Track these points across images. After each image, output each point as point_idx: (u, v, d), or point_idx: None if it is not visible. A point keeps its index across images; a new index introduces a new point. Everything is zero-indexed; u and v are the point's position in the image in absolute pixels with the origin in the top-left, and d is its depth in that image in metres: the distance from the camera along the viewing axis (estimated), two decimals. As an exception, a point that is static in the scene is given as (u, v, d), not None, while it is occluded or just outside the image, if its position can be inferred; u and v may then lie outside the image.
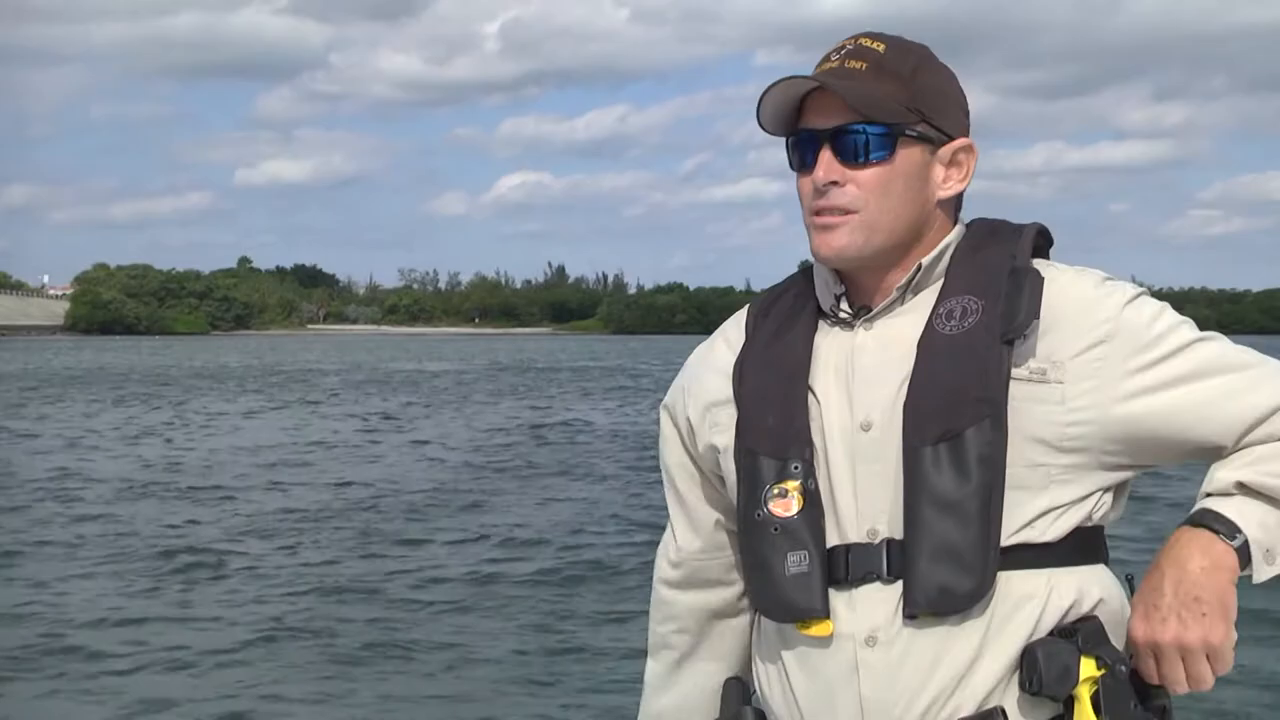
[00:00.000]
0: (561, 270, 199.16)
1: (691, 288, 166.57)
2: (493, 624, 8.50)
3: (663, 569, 2.04)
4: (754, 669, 1.91)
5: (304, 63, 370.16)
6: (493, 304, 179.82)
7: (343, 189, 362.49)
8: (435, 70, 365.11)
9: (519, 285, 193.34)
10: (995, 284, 1.75)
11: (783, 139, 1.84)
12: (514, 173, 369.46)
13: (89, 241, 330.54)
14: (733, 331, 1.95)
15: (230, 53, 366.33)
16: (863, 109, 1.74)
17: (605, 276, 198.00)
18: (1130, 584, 1.79)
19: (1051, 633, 1.70)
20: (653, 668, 2.06)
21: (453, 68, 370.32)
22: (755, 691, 1.91)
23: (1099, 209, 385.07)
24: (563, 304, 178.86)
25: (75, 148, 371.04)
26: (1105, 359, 1.72)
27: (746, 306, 1.97)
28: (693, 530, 1.99)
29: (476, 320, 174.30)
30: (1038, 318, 1.71)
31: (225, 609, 8.96)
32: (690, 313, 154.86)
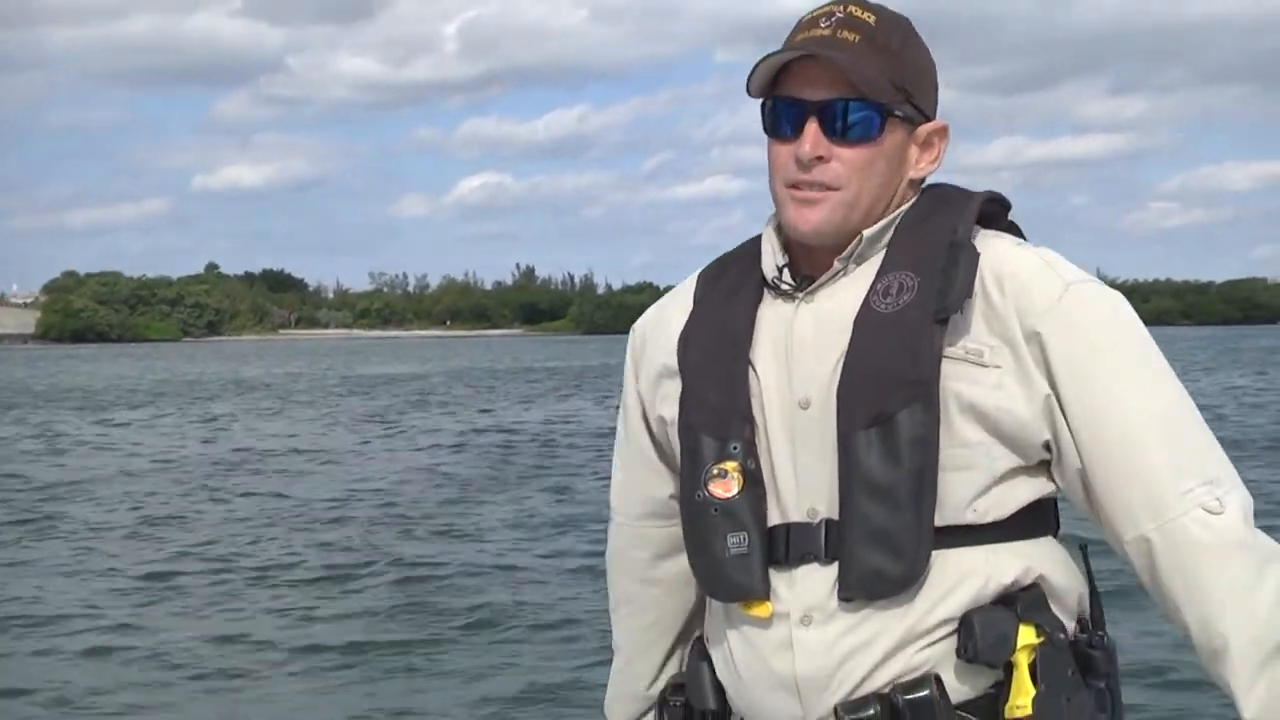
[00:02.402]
0: (531, 271, 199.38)
1: (661, 286, 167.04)
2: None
3: (614, 524, 2.08)
4: (706, 637, 1.94)
5: (260, 66, 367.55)
6: (464, 306, 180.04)
7: (303, 193, 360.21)
8: (394, 72, 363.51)
9: (489, 287, 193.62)
10: (933, 259, 1.72)
11: (759, 101, 1.80)
12: (475, 174, 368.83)
13: (47, 248, 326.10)
14: (681, 297, 1.95)
15: (185, 57, 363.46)
16: (862, 86, 1.70)
17: (573, 277, 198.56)
18: (1085, 553, 1.82)
19: (992, 601, 1.70)
20: (622, 627, 2.09)
21: (411, 69, 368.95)
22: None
23: (1060, 202, 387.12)
24: (533, 305, 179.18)
25: (29, 154, 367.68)
26: (1038, 349, 1.69)
27: (697, 272, 1.97)
28: (636, 489, 2.02)
29: (448, 323, 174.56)
30: (970, 295, 1.69)
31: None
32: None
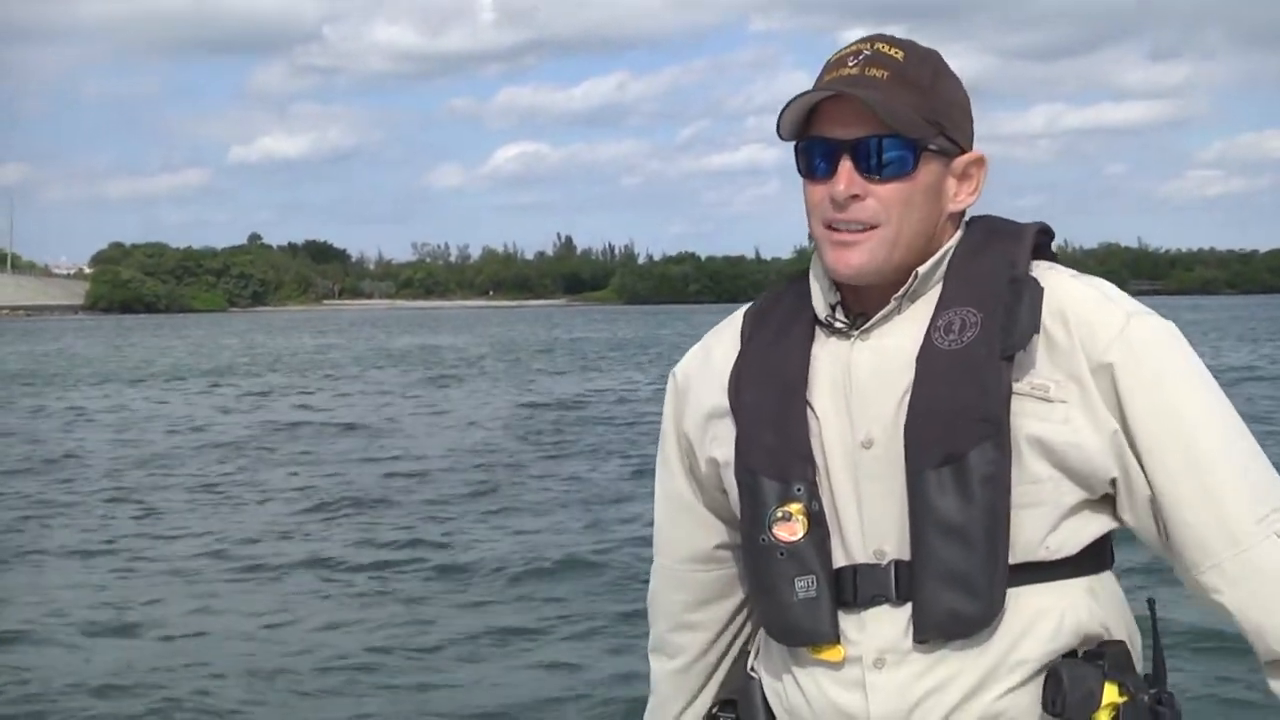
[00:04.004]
0: (569, 241, 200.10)
1: (702, 257, 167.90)
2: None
3: (655, 565, 2.08)
4: (759, 673, 1.91)
5: (296, 36, 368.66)
6: (506, 276, 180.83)
7: (340, 163, 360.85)
8: (430, 41, 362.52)
9: (530, 257, 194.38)
10: (994, 294, 1.71)
11: (791, 143, 1.80)
12: (512, 143, 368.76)
13: (88, 220, 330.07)
14: (728, 337, 1.93)
15: (222, 27, 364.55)
16: (892, 122, 1.70)
17: (613, 247, 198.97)
18: (1152, 608, 1.81)
19: (1076, 654, 1.71)
20: (657, 668, 2.09)
21: (447, 38, 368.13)
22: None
23: (1097, 171, 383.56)
24: (575, 275, 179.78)
25: (68, 125, 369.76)
26: (1107, 381, 1.69)
27: (742, 310, 1.96)
28: (676, 534, 2.01)
29: (490, 293, 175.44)
30: (1038, 331, 1.69)
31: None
32: (703, 282, 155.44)
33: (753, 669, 1.92)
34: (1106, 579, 1.77)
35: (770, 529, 1.76)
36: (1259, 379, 26.85)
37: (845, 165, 1.73)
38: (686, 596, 2.01)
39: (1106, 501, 1.74)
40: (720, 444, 1.86)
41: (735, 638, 2.02)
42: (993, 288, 1.72)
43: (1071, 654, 1.71)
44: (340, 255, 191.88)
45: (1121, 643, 1.73)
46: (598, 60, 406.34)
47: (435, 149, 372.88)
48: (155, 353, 49.84)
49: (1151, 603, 1.80)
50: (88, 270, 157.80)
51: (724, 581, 1.97)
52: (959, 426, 1.67)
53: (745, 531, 1.81)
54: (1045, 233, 1.81)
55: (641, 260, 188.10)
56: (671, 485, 1.99)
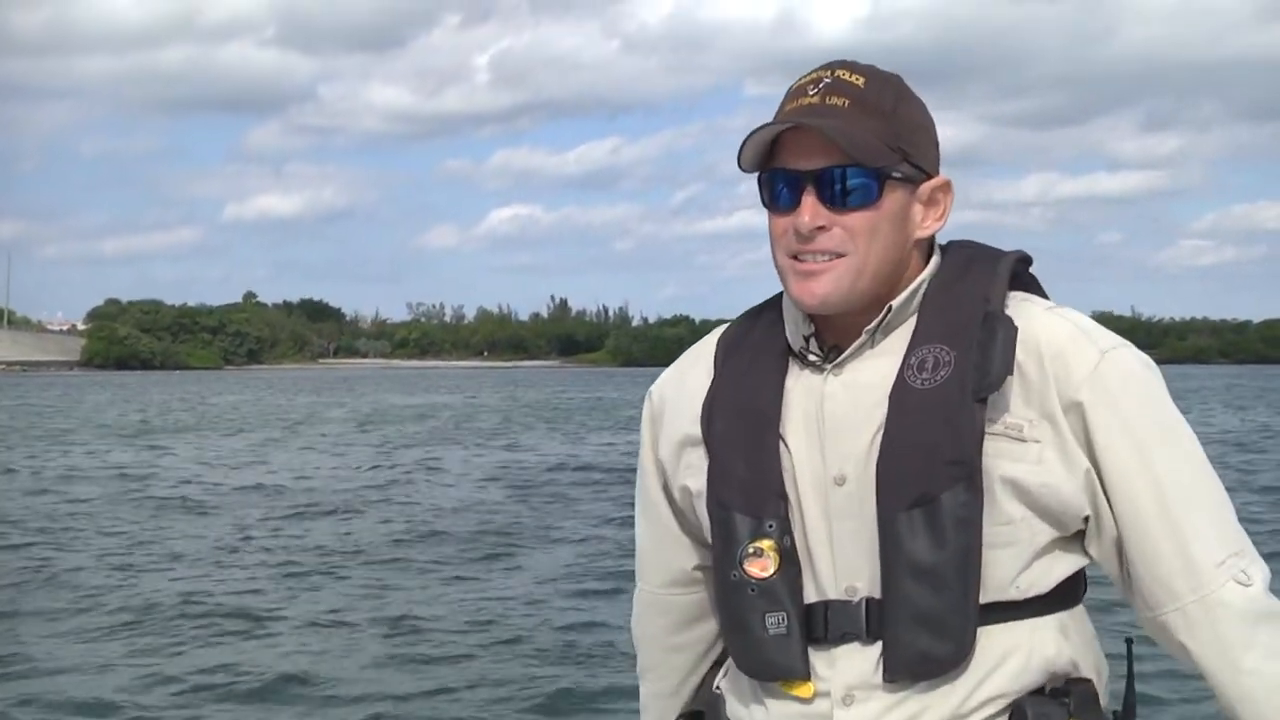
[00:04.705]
0: (564, 303, 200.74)
1: (696, 320, 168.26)
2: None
3: (637, 591, 2.08)
4: (724, 695, 1.92)
5: (292, 96, 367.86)
6: (501, 337, 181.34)
7: (334, 223, 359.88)
8: (425, 102, 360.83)
9: (524, 318, 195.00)
10: (968, 331, 1.69)
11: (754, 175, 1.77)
12: (506, 205, 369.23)
13: (82, 276, 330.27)
14: (702, 365, 1.91)
15: (218, 87, 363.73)
16: (854, 152, 1.67)
17: (607, 310, 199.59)
18: (1130, 647, 1.82)
19: (1044, 691, 1.70)
20: (645, 692, 2.10)
21: (443, 99, 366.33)
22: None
23: (1090, 240, 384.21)
24: (570, 336, 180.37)
25: (64, 182, 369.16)
26: (1078, 420, 1.68)
27: (715, 336, 1.94)
28: (657, 558, 2.01)
29: (485, 354, 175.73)
30: (1012, 373, 1.67)
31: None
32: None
33: (718, 687, 1.92)
34: (1077, 614, 1.76)
35: (741, 565, 1.74)
36: (1253, 450, 26.83)
37: (809, 197, 1.70)
38: (669, 620, 2.02)
39: (1078, 538, 1.73)
40: (693, 473, 1.84)
41: (718, 660, 2.01)
42: (967, 324, 1.70)
43: (1038, 691, 1.70)
44: (335, 314, 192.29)
45: (1089, 681, 1.72)
46: (592, 123, 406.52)
47: (430, 209, 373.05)
48: (149, 409, 49.74)
49: (1130, 642, 1.80)
50: (83, 327, 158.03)
51: (705, 603, 1.97)
52: (931, 468, 1.65)
53: (717, 566, 1.80)
54: (1024, 261, 1.79)
55: (635, 322, 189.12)
56: (650, 508, 1.98)
